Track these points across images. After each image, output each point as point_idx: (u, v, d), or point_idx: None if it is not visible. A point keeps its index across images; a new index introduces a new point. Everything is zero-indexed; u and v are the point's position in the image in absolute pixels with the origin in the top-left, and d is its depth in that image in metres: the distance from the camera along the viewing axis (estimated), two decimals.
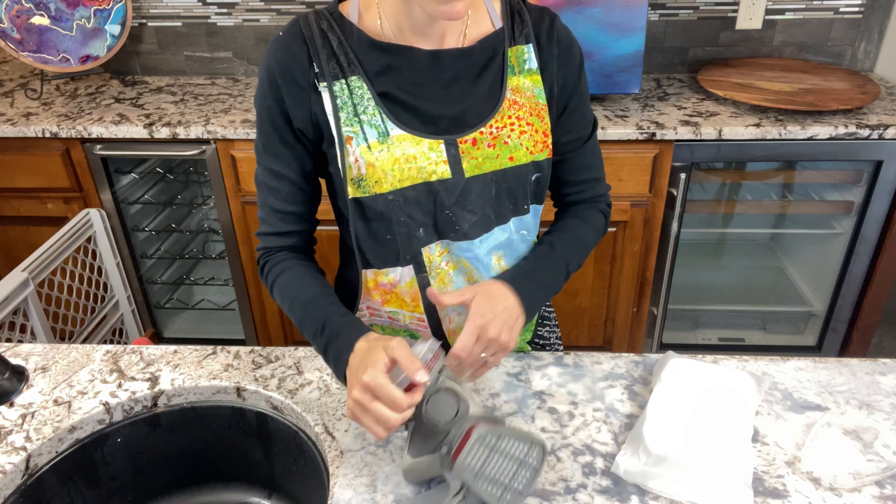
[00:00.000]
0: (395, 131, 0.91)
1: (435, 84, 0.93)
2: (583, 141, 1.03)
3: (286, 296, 0.96)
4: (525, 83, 0.95)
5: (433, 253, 0.98)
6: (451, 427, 0.79)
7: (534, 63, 0.96)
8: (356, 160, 0.91)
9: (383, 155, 0.91)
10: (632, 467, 0.85)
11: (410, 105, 0.92)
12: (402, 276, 0.99)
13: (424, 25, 0.91)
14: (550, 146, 0.98)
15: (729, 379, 0.95)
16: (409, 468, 0.83)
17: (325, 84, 0.91)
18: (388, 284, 1.01)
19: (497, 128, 0.93)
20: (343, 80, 0.91)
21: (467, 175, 0.93)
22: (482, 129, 0.93)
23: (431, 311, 1.02)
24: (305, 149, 0.96)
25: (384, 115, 0.91)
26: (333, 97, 0.91)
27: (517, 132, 0.94)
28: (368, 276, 1.01)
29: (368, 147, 0.91)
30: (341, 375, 0.86)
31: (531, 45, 0.96)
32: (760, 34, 2.29)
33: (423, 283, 1.00)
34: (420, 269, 0.99)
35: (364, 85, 0.91)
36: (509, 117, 0.94)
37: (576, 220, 1.05)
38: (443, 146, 0.92)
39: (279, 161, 0.96)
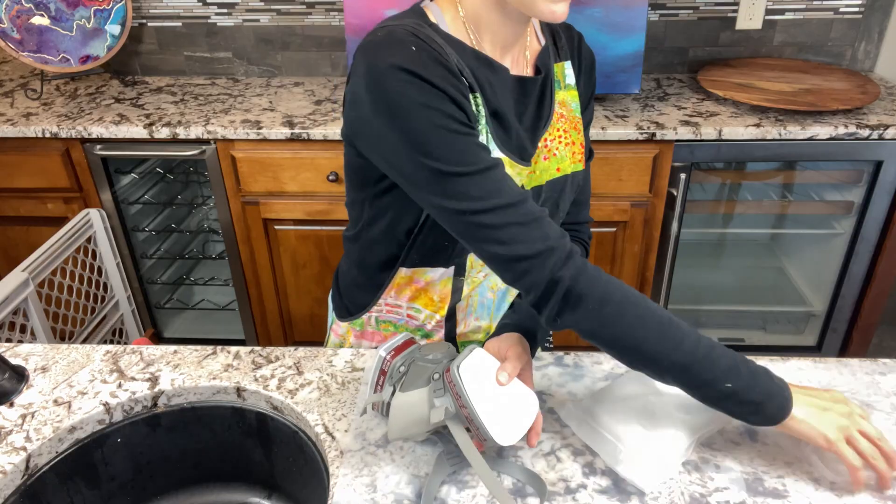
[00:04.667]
0: (496, 153, 0.89)
1: (520, 108, 0.92)
2: (586, 161, 1.06)
3: (651, 327, 0.79)
4: (567, 98, 0.98)
5: (477, 260, 0.99)
6: (446, 360, 0.83)
7: (572, 79, 0.99)
8: None
9: None
10: (571, 414, 0.93)
11: (512, 128, 0.90)
12: (440, 275, 1.00)
13: (515, 38, 0.89)
14: (584, 159, 1.01)
15: None
16: (399, 405, 0.82)
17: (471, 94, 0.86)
18: (423, 282, 1.01)
19: (549, 140, 0.95)
20: (475, 94, 0.87)
21: (527, 187, 0.95)
22: (539, 143, 0.95)
23: (451, 313, 1.04)
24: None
25: (490, 136, 0.88)
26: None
27: (563, 144, 0.97)
28: (404, 272, 1.01)
29: None
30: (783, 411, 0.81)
31: (569, 61, 0.99)
32: (760, 34, 2.29)
33: (457, 286, 1.01)
34: (460, 271, 1.00)
35: (480, 101, 0.87)
36: (557, 130, 0.96)
37: None
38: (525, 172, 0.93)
39: (488, 157, 0.83)
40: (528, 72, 0.95)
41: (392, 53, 0.78)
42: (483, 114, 0.86)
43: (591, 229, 1.14)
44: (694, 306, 2.42)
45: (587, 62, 1.01)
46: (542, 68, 0.95)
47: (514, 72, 0.92)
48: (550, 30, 0.98)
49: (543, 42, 0.97)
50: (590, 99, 1.04)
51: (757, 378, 0.80)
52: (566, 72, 0.98)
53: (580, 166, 1.00)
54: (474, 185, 0.79)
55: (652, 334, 0.78)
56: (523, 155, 0.93)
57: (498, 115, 0.88)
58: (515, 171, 0.92)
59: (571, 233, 1.08)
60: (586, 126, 1.04)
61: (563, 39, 0.99)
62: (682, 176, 1.96)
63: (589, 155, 1.06)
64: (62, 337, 2.05)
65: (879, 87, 2.07)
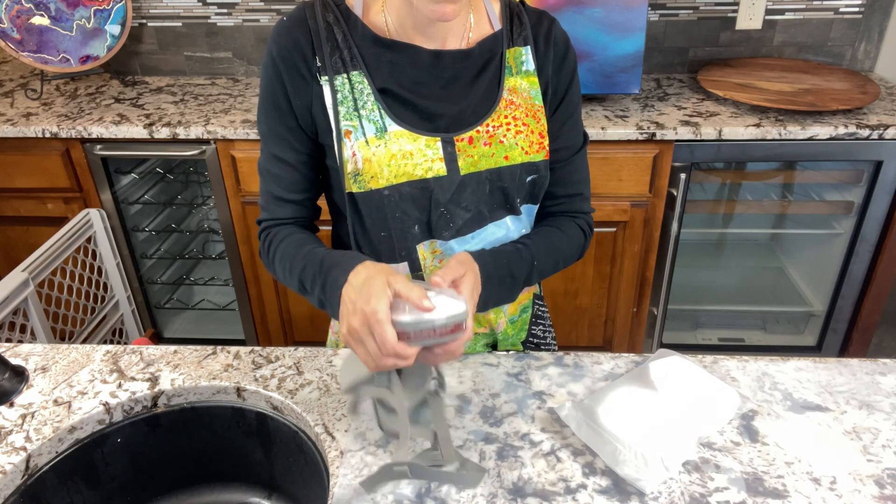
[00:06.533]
0: (393, 127, 0.92)
1: (435, 83, 0.94)
2: (571, 152, 1.04)
3: (286, 258, 0.94)
4: (522, 84, 0.97)
5: (426, 250, 0.98)
6: None
7: (531, 65, 0.97)
8: (354, 154, 0.92)
9: (380, 150, 0.91)
10: (571, 414, 0.91)
11: (410, 102, 0.93)
12: (399, 272, 0.99)
13: (426, 25, 0.92)
14: (547, 147, 0.99)
15: (711, 389, 0.95)
16: (346, 356, 0.87)
17: (326, 78, 0.92)
18: None
19: (493, 127, 0.94)
20: (345, 75, 0.92)
21: (462, 173, 0.94)
22: (478, 127, 0.94)
23: None
24: (307, 135, 0.96)
25: (383, 111, 0.92)
26: (334, 91, 0.92)
27: (513, 132, 0.95)
28: None
29: (366, 142, 0.91)
30: (335, 302, 0.83)
31: (529, 46, 0.97)
32: (760, 34, 2.29)
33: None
34: (415, 266, 0.99)
35: (365, 80, 0.92)
36: (505, 117, 0.95)
37: (552, 228, 1.04)
38: (439, 144, 0.93)
39: (283, 146, 0.96)
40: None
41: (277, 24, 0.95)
42: (369, 91, 0.92)
43: (592, 229, 1.12)
44: (694, 306, 2.42)
45: (559, 49, 0.99)
46: (484, 52, 0.95)
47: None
48: (509, 15, 0.98)
49: (498, 27, 0.97)
50: (568, 86, 1.01)
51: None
52: (522, 58, 0.97)
53: (539, 156, 0.97)
54: (263, 157, 0.99)
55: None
56: (435, 127, 0.93)
57: (388, 91, 0.92)
58: (421, 144, 0.92)
59: (572, 219, 1.07)
60: (572, 113, 1.02)
61: (524, 26, 0.97)
62: (682, 176, 1.97)
63: (583, 142, 1.05)
64: (62, 337, 2.05)
65: (879, 87, 2.07)
